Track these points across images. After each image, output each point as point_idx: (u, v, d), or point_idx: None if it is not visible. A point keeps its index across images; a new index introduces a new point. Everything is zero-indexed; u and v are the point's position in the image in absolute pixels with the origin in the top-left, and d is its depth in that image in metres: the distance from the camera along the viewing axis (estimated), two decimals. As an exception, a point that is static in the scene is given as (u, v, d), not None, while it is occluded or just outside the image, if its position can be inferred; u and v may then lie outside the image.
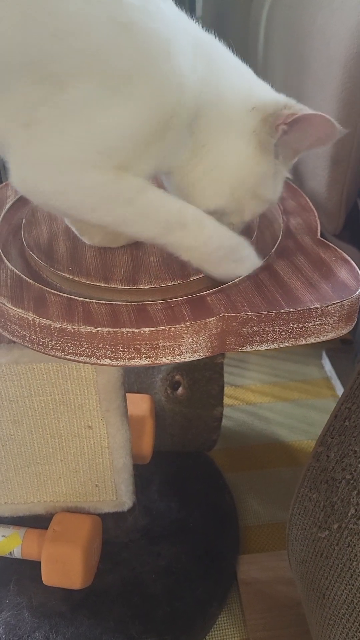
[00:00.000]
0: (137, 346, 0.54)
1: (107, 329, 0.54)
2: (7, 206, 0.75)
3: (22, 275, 0.62)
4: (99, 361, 0.55)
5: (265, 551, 1.02)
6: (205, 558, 0.96)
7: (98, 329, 0.54)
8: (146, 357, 0.55)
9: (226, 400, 1.30)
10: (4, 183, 0.81)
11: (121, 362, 0.55)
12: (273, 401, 1.33)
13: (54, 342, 0.56)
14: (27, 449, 0.88)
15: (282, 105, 0.60)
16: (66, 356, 0.56)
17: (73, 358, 0.56)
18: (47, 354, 0.57)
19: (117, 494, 0.92)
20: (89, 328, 0.54)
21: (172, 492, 1.06)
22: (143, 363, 0.55)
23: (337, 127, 0.57)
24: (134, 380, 1.08)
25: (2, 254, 0.65)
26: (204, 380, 1.07)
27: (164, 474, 1.09)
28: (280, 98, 0.62)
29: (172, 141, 0.58)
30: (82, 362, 0.56)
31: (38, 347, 0.57)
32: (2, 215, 0.73)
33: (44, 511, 0.93)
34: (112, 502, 0.93)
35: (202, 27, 0.62)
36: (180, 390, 1.06)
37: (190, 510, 1.04)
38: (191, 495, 1.06)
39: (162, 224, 0.58)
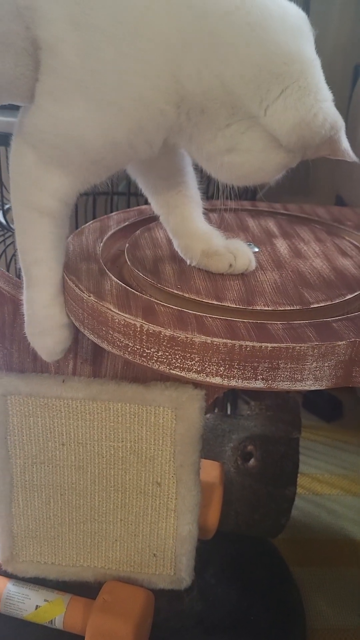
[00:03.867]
0: (255, 364, 0.48)
1: (224, 340, 0.48)
2: (110, 233, 0.73)
3: (128, 288, 0.58)
4: (208, 378, 0.49)
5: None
6: (268, 658, 0.83)
7: (214, 339, 0.48)
8: (262, 379, 0.49)
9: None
10: (108, 215, 0.81)
11: (233, 382, 0.49)
12: (342, 494, 1.22)
13: (160, 353, 0.50)
14: (87, 501, 0.80)
15: (329, 128, 0.51)
16: (172, 370, 0.50)
17: (179, 373, 0.50)
18: (149, 367, 0.51)
19: (176, 567, 0.82)
20: (203, 338, 0.48)
21: (232, 579, 0.95)
22: (258, 385, 0.49)
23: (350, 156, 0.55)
24: (202, 446, 1.00)
25: (106, 269, 0.62)
26: (278, 454, 0.98)
27: (224, 557, 0.98)
28: (332, 120, 0.52)
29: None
30: (188, 378, 0.50)
31: (141, 358, 0.51)
32: (104, 240, 0.71)
33: (93, 578, 0.83)
34: (169, 578, 0.82)
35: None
36: (252, 462, 0.98)
37: (252, 601, 0.91)
38: (253, 584, 0.95)
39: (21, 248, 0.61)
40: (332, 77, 0.53)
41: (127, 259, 0.65)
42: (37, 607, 0.79)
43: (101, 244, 0.69)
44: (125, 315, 0.51)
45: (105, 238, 0.71)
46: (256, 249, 0.70)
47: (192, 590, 0.83)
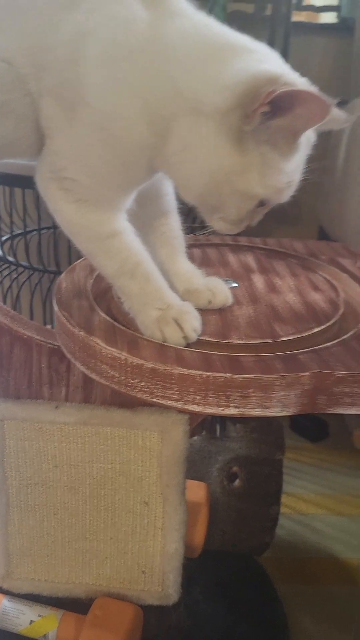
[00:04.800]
0: (228, 393, 0.54)
1: (199, 372, 0.53)
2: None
3: (114, 323, 0.63)
4: (186, 406, 0.55)
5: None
6: (253, 673, 0.87)
7: (191, 371, 0.54)
8: (235, 406, 0.54)
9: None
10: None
11: (208, 409, 0.54)
12: (327, 514, 1.26)
13: (143, 384, 0.56)
14: (79, 520, 0.84)
15: (265, 80, 0.51)
16: (153, 399, 0.56)
17: (160, 401, 0.55)
18: (133, 396, 0.56)
19: (164, 584, 0.86)
20: (181, 370, 0.54)
21: (219, 596, 0.99)
22: (231, 412, 0.54)
23: (327, 102, 0.51)
24: (189, 468, 1.05)
25: (95, 305, 0.67)
26: (262, 475, 1.03)
27: (210, 574, 1.01)
28: (264, 71, 0.52)
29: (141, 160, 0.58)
30: (168, 406, 0.55)
31: (126, 388, 0.57)
32: (94, 277, 0.76)
33: (84, 594, 0.86)
34: (157, 594, 0.86)
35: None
36: (237, 482, 1.02)
37: (238, 618, 0.95)
38: (240, 601, 0.98)
39: (116, 267, 0.62)
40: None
41: (114, 295, 0.71)
42: (31, 622, 0.82)
43: (91, 281, 0.75)
44: (112, 349, 0.57)
45: (95, 274, 0.77)
46: (235, 285, 0.76)
47: (179, 606, 0.86)
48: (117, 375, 0.57)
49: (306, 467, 1.40)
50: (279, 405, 0.54)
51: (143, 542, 0.84)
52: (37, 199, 1.12)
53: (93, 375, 0.59)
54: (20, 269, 1.19)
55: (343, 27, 1.60)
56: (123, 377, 0.57)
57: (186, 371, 0.54)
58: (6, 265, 1.22)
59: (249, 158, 0.54)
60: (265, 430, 1.09)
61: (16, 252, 1.18)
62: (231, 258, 0.86)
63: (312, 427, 1.50)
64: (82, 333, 0.60)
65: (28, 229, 1.15)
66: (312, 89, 0.51)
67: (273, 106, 0.51)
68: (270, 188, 0.56)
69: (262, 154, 0.54)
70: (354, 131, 1.23)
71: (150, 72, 0.54)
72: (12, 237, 1.20)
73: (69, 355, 0.64)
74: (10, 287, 1.20)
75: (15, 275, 1.20)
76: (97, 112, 0.55)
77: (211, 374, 0.53)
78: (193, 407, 0.55)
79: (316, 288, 0.76)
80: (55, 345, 0.70)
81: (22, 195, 1.12)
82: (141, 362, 0.55)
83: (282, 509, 1.22)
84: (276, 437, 1.08)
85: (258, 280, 0.78)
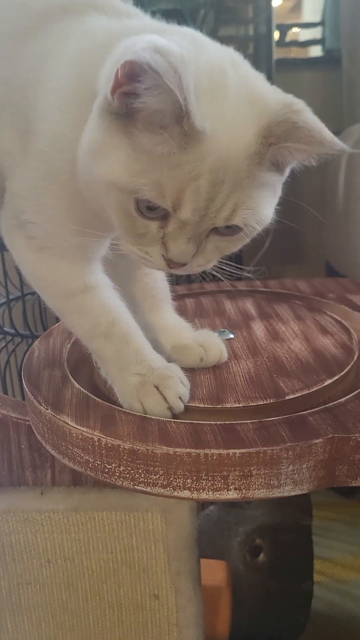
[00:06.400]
0: (225, 473, 0.44)
1: (187, 450, 0.44)
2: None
3: (89, 394, 0.54)
4: (175, 493, 0.45)
5: None
6: None
7: (177, 449, 0.44)
8: (235, 489, 0.44)
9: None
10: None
11: (204, 495, 0.44)
12: (368, 579, 1.12)
13: (122, 469, 0.46)
14: (81, 621, 0.73)
15: (121, 54, 0.42)
16: (136, 486, 0.46)
17: (144, 489, 0.45)
18: (112, 484, 0.46)
19: None
20: (165, 449, 0.44)
21: None
22: (231, 496, 0.44)
23: (145, 61, 0.39)
24: (206, 544, 0.93)
25: (70, 375, 0.59)
26: (288, 544, 0.91)
27: (242, 668, 0.89)
28: (123, 45, 0.44)
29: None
30: (154, 494, 0.45)
31: (103, 475, 0.47)
32: (71, 342, 0.68)
33: None
34: None
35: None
36: (261, 556, 0.90)
37: None
38: None
39: (89, 328, 0.56)
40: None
41: (94, 360, 0.62)
42: None
43: (69, 346, 0.66)
44: (83, 429, 0.47)
45: (73, 339, 0.68)
46: (231, 336, 0.66)
47: None
48: (91, 459, 0.47)
49: (340, 526, 1.27)
50: (290, 483, 0.44)
51: (157, 642, 0.73)
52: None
53: (65, 461, 0.50)
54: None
55: (329, 59, 1.59)
56: (98, 462, 0.47)
57: (171, 450, 0.44)
58: (1, 336, 1.13)
59: (116, 141, 0.44)
60: (288, 492, 0.97)
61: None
62: (228, 305, 0.77)
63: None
64: (49, 411, 0.51)
65: (11, 297, 1.08)
66: (139, 54, 0.39)
67: (139, 84, 0.41)
68: (139, 177, 0.44)
69: (137, 138, 0.44)
70: (351, 162, 1.17)
71: (83, 78, 0.48)
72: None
73: (39, 438, 0.55)
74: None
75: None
76: (41, 137, 0.50)
77: (202, 451, 0.44)
78: (185, 494, 0.45)
79: (325, 331, 0.67)
80: (34, 422, 0.61)
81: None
82: (117, 442, 0.46)
83: (317, 577, 1.09)
84: (301, 498, 0.97)
85: (258, 329, 0.68)
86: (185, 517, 0.67)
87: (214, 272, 0.52)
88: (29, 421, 0.64)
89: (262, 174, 0.45)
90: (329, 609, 1.07)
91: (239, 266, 0.53)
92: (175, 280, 0.70)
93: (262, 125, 0.43)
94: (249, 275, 0.58)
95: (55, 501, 0.69)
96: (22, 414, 0.65)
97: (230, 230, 0.47)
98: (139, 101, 0.42)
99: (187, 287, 0.81)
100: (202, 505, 0.97)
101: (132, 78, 0.40)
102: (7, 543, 0.71)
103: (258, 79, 0.47)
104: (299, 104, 0.45)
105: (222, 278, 0.52)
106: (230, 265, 0.51)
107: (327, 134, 0.44)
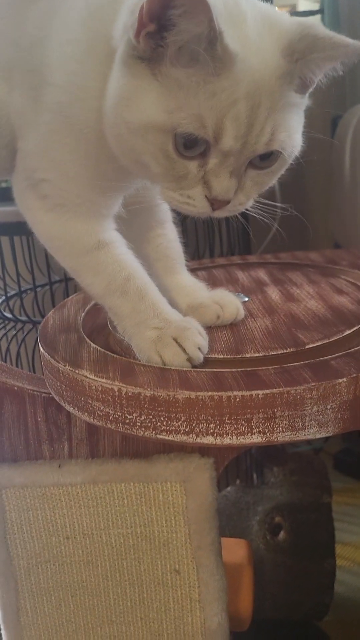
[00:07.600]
0: (248, 416, 0.43)
1: (209, 393, 0.43)
2: (93, 302, 0.70)
3: (107, 352, 0.53)
4: (199, 439, 0.44)
5: None
6: None
7: (199, 393, 0.43)
8: (259, 432, 0.43)
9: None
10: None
11: (227, 440, 0.43)
12: (391, 561, 1.11)
13: (143, 418, 0.45)
14: (101, 601, 0.72)
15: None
16: (158, 435, 0.45)
17: (167, 437, 0.44)
18: (135, 434, 0.45)
19: (211, 669, 0.72)
20: (187, 393, 0.43)
21: None
22: (255, 440, 0.43)
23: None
24: (225, 524, 0.92)
25: (86, 337, 0.58)
26: (309, 523, 0.89)
27: (265, 650, 0.87)
28: None
29: None
30: (177, 441, 0.44)
31: (124, 426, 0.46)
32: (86, 310, 0.67)
33: None
34: None
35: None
36: (281, 535, 0.89)
37: None
38: None
39: (104, 285, 0.55)
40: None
41: (109, 324, 0.61)
42: None
43: (83, 314, 0.66)
44: (102, 380, 0.47)
45: (88, 307, 0.68)
46: (246, 299, 0.66)
47: None
48: (111, 411, 0.46)
49: (358, 510, 1.25)
50: (314, 425, 0.43)
51: (179, 620, 0.71)
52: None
53: (85, 417, 0.49)
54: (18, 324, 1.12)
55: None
56: (119, 413, 0.46)
57: (193, 394, 0.43)
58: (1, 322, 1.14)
59: (145, 84, 0.45)
60: (306, 470, 0.96)
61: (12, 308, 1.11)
62: (240, 275, 0.76)
63: (358, 464, 1.36)
64: (67, 367, 0.50)
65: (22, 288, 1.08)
66: None
67: (159, 24, 0.43)
68: (177, 112, 0.44)
69: (168, 76, 0.44)
70: (356, 140, 1.17)
71: (98, 32, 0.49)
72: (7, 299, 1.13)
73: (57, 398, 0.54)
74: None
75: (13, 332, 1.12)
76: (56, 89, 0.50)
77: (224, 394, 0.43)
78: (208, 439, 0.44)
79: (340, 292, 0.66)
80: (51, 393, 0.61)
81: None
82: (137, 390, 0.45)
83: (339, 562, 1.07)
84: (320, 477, 0.95)
85: (273, 292, 0.68)
86: (206, 486, 0.66)
87: (252, 212, 0.52)
88: (45, 393, 0.63)
89: (292, 95, 0.46)
90: (353, 592, 1.05)
91: (274, 203, 0.53)
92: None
93: (285, 45, 0.45)
94: None
95: (73, 473, 0.67)
96: (37, 386, 0.65)
97: (267, 161, 0.48)
98: (174, 31, 0.42)
99: (199, 262, 0.80)
100: (219, 486, 0.96)
101: (164, 6, 0.41)
102: (25, 520, 0.70)
103: (267, 5, 0.49)
104: (313, 21, 0.47)
105: (259, 217, 0.52)
106: (266, 205, 0.52)
107: (348, 39, 0.46)
